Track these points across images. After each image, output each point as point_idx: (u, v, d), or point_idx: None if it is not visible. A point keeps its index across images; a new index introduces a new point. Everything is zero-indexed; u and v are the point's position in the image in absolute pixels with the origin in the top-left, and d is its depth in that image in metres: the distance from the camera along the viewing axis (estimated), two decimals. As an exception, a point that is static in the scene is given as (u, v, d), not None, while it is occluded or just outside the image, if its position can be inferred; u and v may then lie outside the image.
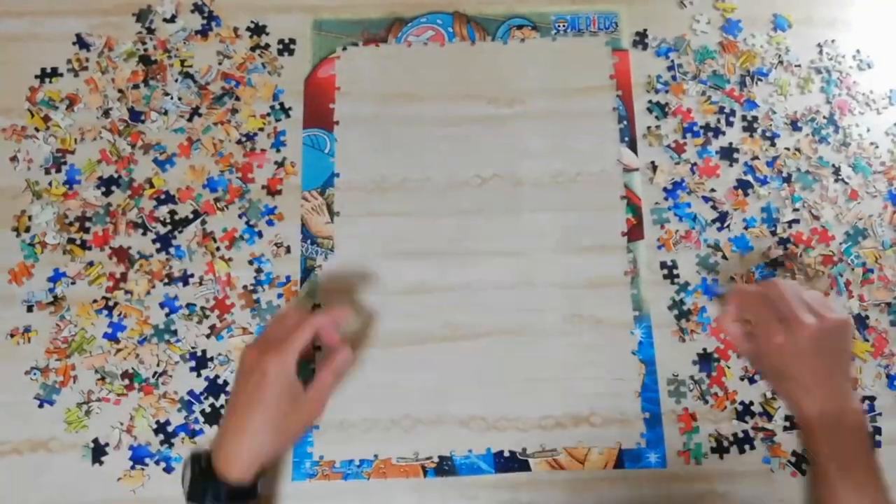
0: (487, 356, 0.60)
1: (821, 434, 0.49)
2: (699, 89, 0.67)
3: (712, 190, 0.64)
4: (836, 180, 0.65)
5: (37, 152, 0.65)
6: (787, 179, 0.64)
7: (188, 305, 0.61)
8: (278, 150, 0.65)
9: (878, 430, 0.59)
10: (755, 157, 0.65)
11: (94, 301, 0.61)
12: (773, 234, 0.63)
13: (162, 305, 0.61)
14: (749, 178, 0.65)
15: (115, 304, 0.61)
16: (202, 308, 0.61)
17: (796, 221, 0.63)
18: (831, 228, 0.63)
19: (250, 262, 0.62)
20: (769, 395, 0.60)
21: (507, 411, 0.60)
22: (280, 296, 0.62)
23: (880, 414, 0.59)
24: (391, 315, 0.61)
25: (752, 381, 0.60)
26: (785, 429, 0.59)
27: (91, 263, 0.62)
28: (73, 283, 0.61)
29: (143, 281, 0.61)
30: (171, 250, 0.62)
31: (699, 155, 0.65)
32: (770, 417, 0.59)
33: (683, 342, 0.61)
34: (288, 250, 0.63)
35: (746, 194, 0.64)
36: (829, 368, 0.50)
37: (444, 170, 0.65)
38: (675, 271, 0.63)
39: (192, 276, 0.62)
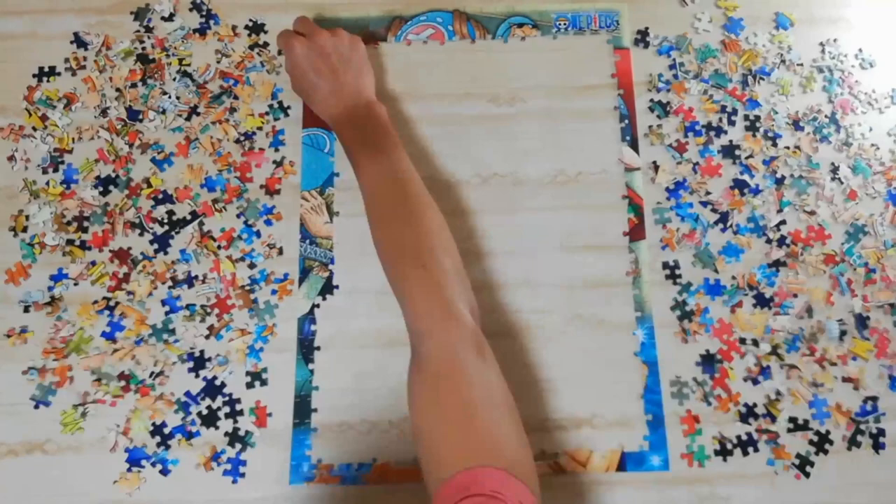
0: (488, 357, 0.60)
1: (342, 126, 0.59)
2: (701, 88, 0.66)
3: (708, 193, 0.64)
4: (833, 179, 0.64)
5: (34, 152, 0.64)
6: (780, 181, 0.64)
7: (188, 306, 0.61)
8: (277, 150, 0.65)
9: (881, 432, 0.59)
10: (750, 156, 0.64)
11: (95, 302, 0.60)
12: (768, 241, 0.63)
13: (164, 303, 0.61)
14: (745, 177, 0.64)
15: (116, 303, 0.61)
16: (202, 307, 0.61)
17: (784, 223, 0.63)
18: (828, 227, 0.63)
19: (242, 259, 0.62)
20: (773, 396, 0.59)
21: (507, 413, 0.59)
22: (274, 292, 0.61)
23: (884, 414, 0.59)
24: (391, 315, 0.61)
25: (755, 382, 0.60)
26: (789, 430, 0.59)
27: (93, 263, 0.61)
28: (76, 285, 0.61)
29: (146, 282, 0.61)
30: (171, 251, 0.62)
31: (701, 154, 0.65)
32: (774, 419, 0.59)
33: (686, 343, 0.61)
34: (280, 252, 0.62)
35: (743, 194, 0.64)
36: (339, 71, 0.60)
37: (444, 169, 0.64)
38: (677, 272, 0.62)
39: (196, 277, 0.61)
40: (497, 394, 0.49)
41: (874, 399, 0.59)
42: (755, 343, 0.60)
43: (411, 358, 0.51)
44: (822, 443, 0.58)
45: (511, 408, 0.48)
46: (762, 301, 0.61)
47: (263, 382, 0.59)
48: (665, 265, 0.62)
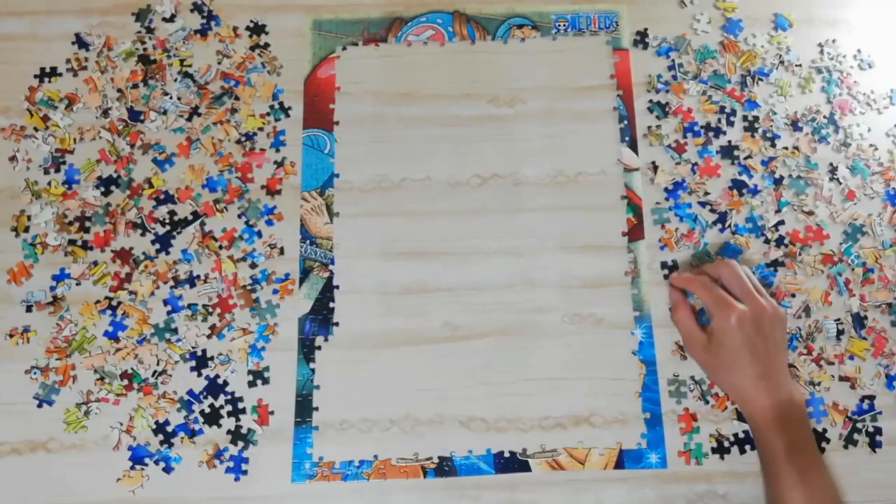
0: (487, 356, 0.60)
1: (768, 426, 0.51)
2: (700, 89, 0.67)
3: (706, 193, 0.64)
4: (832, 179, 0.64)
5: (36, 152, 0.65)
6: (779, 182, 0.64)
7: (190, 306, 0.61)
8: (278, 150, 0.65)
9: (878, 430, 0.59)
10: (748, 156, 0.65)
11: (97, 301, 0.61)
12: (767, 241, 0.63)
13: (165, 303, 0.61)
14: (744, 177, 0.65)
15: (119, 303, 0.61)
16: (204, 307, 0.61)
17: (782, 223, 0.63)
18: (826, 227, 0.63)
19: (244, 259, 0.62)
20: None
21: (507, 412, 0.59)
22: (275, 292, 0.62)
23: (881, 413, 0.59)
24: (391, 315, 0.61)
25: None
26: (785, 429, 0.59)
27: (95, 263, 0.62)
28: (78, 284, 0.61)
29: (148, 282, 0.61)
30: (173, 251, 0.62)
31: (700, 155, 0.65)
32: (771, 418, 0.59)
33: (685, 360, 0.61)
34: (282, 252, 0.62)
35: (741, 194, 0.64)
36: (772, 354, 0.53)
37: (444, 170, 0.65)
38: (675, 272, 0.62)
39: (197, 277, 0.62)
40: None
41: (871, 398, 0.60)
42: (753, 342, 0.61)
43: None
44: (818, 441, 0.59)
45: None
46: (760, 300, 0.62)
47: (265, 381, 0.60)
48: (664, 265, 0.63)
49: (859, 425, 0.59)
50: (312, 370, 0.60)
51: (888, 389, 0.60)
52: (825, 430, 0.59)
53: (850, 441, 0.59)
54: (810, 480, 0.49)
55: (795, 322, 0.61)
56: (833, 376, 0.60)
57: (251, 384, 0.60)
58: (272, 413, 0.59)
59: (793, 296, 0.62)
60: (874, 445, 0.59)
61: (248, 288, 0.62)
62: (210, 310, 0.61)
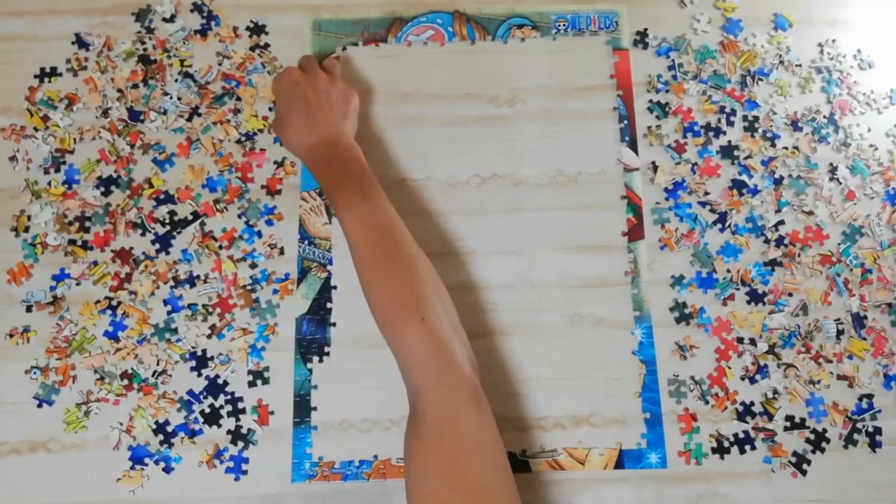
0: (487, 356, 0.60)
1: (316, 162, 0.56)
2: (700, 89, 0.67)
3: (706, 193, 0.64)
4: (832, 179, 0.64)
5: (36, 152, 0.65)
6: (779, 182, 0.64)
7: (190, 305, 0.61)
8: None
9: (878, 430, 0.59)
10: (748, 156, 0.65)
11: (97, 301, 0.61)
12: (766, 241, 0.63)
13: (165, 303, 0.61)
14: (744, 177, 0.65)
15: (119, 303, 0.61)
16: (204, 306, 0.61)
17: (782, 223, 0.63)
18: (826, 227, 0.63)
19: (244, 259, 0.62)
20: (770, 395, 0.60)
21: (506, 411, 0.59)
22: (275, 291, 0.62)
23: (879, 411, 0.59)
24: (391, 315, 0.61)
25: (752, 381, 0.60)
26: (786, 429, 0.59)
27: (95, 263, 0.62)
28: (78, 284, 0.61)
29: (148, 282, 0.61)
30: (173, 251, 0.62)
31: (700, 155, 0.65)
32: (771, 417, 0.59)
33: (685, 360, 0.61)
34: (282, 252, 0.62)
35: (741, 194, 0.64)
36: (325, 107, 0.58)
37: (444, 170, 0.65)
38: (675, 275, 0.62)
39: (197, 277, 0.62)
40: (490, 450, 0.47)
41: (869, 397, 0.60)
42: (753, 342, 0.61)
43: (409, 415, 0.49)
44: (818, 441, 0.59)
45: (504, 464, 0.47)
46: (755, 297, 0.62)
47: (265, 381, 0.60)
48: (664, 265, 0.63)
49: (859, 425, 0.59)
50: (310, 370, 0.60)
51: (886, 389, 0.60)
52: (825, 430, 0.59)
53: (850, 441, 0.59)
54: (354, 205, 0.53)
55: (793, 320, 0.61)
56: (832, 373, 0.60)
57: (251, 384, 0.60)
58: (272, 413, 0.59)
59: (790, 294, 0.62)
60: (874, 445, 0.59)
61: (248, 288, 0.62)
62: (210, 310, 0.61)
